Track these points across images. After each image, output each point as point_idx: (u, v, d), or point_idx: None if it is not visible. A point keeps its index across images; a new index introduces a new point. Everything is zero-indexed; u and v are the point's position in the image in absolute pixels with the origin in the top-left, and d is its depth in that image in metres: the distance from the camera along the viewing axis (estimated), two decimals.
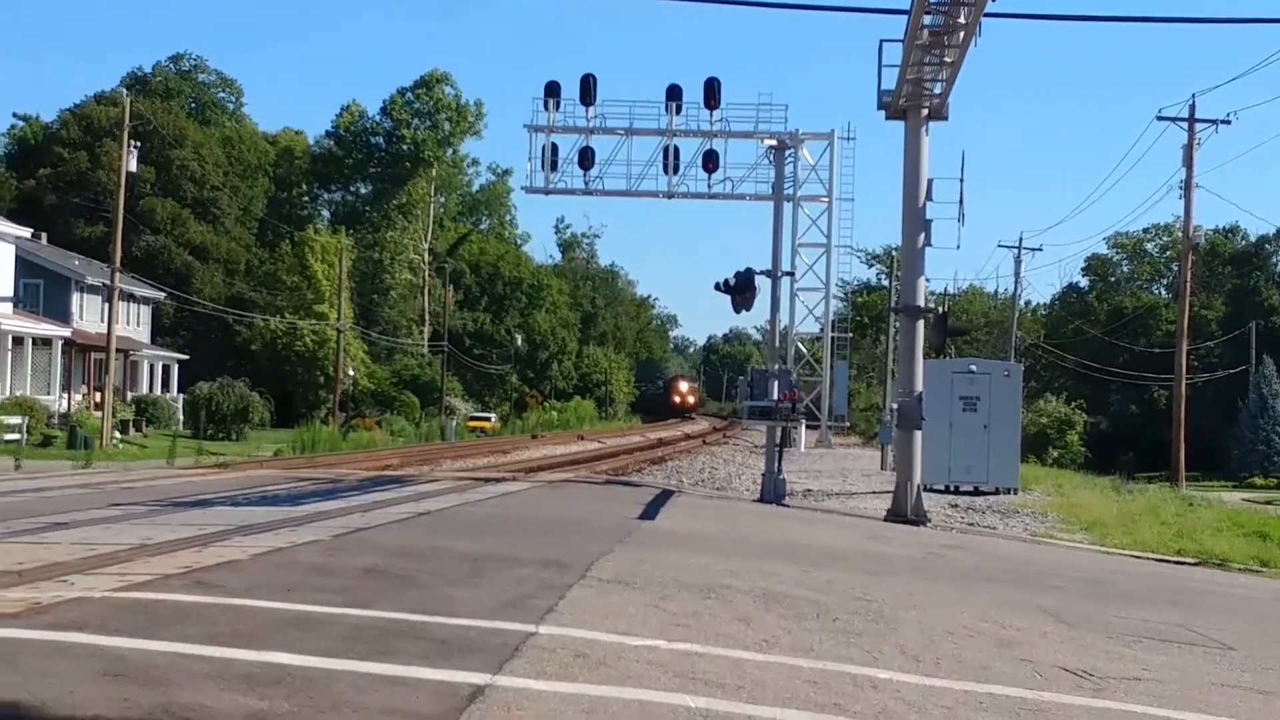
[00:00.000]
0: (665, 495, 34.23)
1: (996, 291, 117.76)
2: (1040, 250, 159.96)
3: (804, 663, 10.56)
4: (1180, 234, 70.57)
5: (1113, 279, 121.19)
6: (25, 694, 7.93)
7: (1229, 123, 59.18)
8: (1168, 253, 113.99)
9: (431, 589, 13.12)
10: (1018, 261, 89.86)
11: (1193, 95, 61.49)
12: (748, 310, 36.76)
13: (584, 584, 14.02)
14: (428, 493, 30.74)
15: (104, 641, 9.58)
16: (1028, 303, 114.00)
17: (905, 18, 29.12)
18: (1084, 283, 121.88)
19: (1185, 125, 59.32)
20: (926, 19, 28.19)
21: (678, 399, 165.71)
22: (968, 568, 21.10)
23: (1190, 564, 26.33)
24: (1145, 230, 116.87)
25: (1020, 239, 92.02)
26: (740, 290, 35.29)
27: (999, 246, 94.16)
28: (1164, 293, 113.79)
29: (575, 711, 8.34)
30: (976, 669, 11.01)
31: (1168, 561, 26.42)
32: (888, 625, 12.90)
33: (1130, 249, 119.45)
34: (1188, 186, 60.44)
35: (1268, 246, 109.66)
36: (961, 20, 27.67)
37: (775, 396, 34.44)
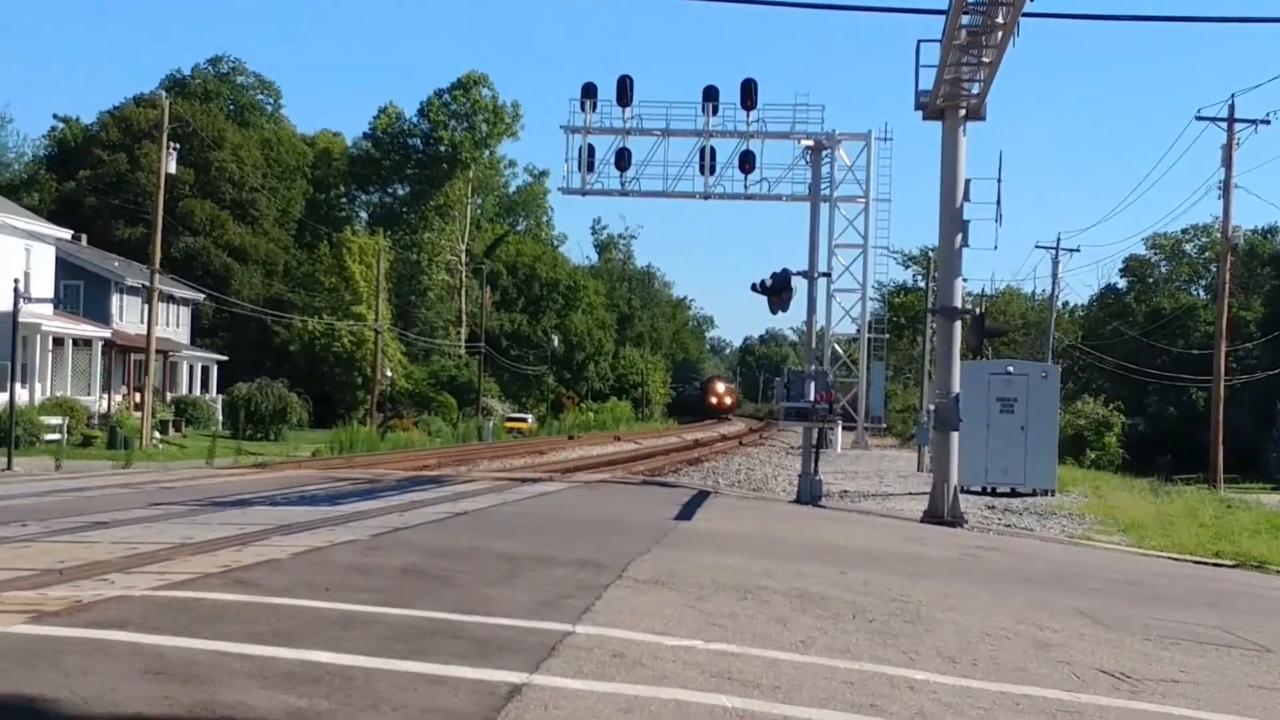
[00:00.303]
0: (702, 496, 34.24)
1: (1034, 293, 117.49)
2: (1078, 251, 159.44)
3: (840, 663, 10.58)
4: (1219, 235, 70.05)
5: (1151, 280, 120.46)
6: (67, 691, 8.00)
7: (1268, 123, 58.74)
8: (1206, 254, 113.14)
9: (469, 589, 13.17)
10: (1055, 262, 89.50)
11: (1232, 95, 60.85)
12: (784, 311, 36.75)
13: (621, 584, 14.05)
14: (465, 493, 30.83)
15: (144, 639, 9.65)
16: (1065, 304, 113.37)
17: (943, 18, 29.09)
18: (1122, 284, 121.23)
19: (1224, 125, 58.94)
20: (964, 19, 28.14)
21: (714, 400, 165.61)
22: (1005, 569, 21.07)
23: (1228, 566, 26.18)
24: (1184, 231, 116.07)
25: (1058, 240, 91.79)
26: (777, 291, 35.25)
27: (1036, 247, 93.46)
28: (1202, 294, 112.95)
29: (612, 710, 8.37)
30: (1013, 670, 11.01)
31: (1206, 564, 26.28)
32: (924, 626, 12.90)
33: (1168, 250, 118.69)
34: (1226, 187, 60.09)
35: None
36: (1000, 20, 27.61)
37: (812, 398, 34.42)
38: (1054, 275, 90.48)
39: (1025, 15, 27.17)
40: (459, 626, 10.91)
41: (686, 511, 27.72)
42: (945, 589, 16.55)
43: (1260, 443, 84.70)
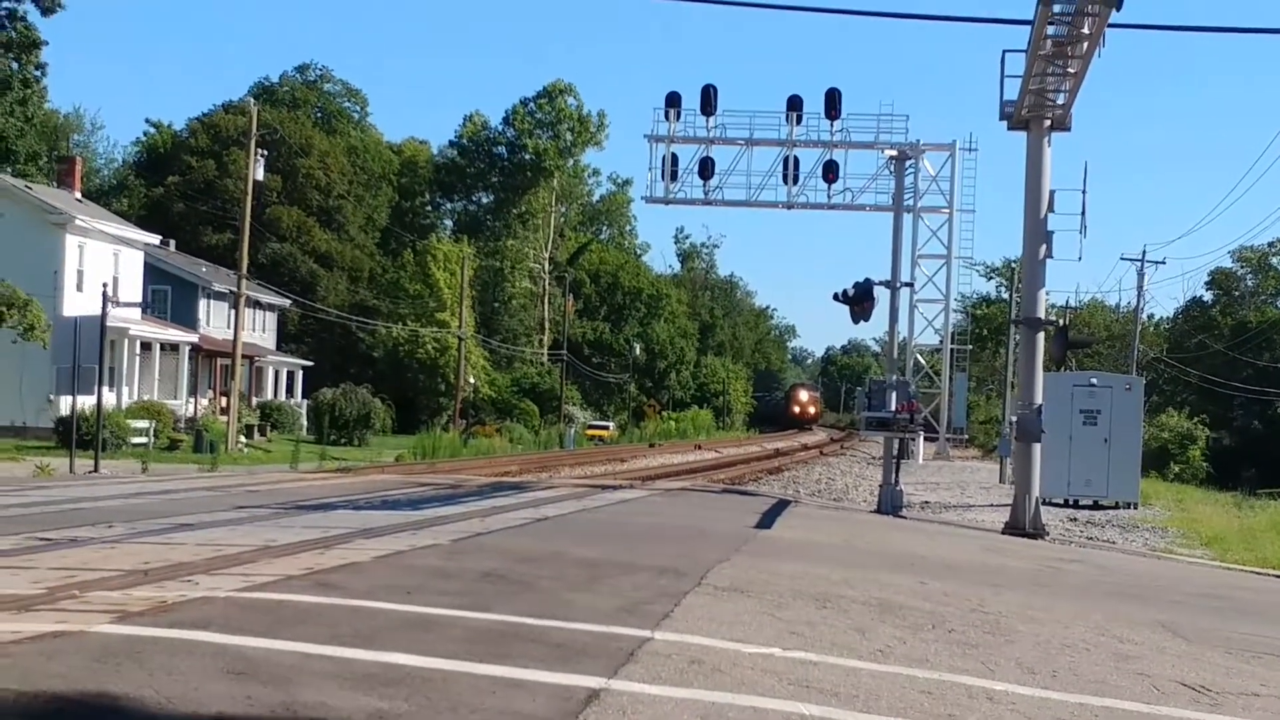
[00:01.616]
0: (782, 505, 34.21)
1: (1118, 305, 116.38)
2: (1163, 264, 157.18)
3: (919, 673, 10.56)
4: None
5: (1237, 293, 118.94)
6: (150, 690, 8.11)
7: None
8: None
9: (549, 594, 13.24)
10: (1140, 274, 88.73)
11: None
12: (866, 321, 36.74)
13: (700, 591, 14.08)
14: (546, 499, 30.93)
15: (227, 640, 9.76)
16: (1150, 316, 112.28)
17: (1028, 28, 28.95)
18: (1207, 296, 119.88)
19: None
20: (1050, 29, 27.98)
21: (797, 409, 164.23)
22: (1086, 581, 20.93)
23: None
24: (1270, 244, 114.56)
25: (1143, 252, 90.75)
26: (859, 301, 35.18)
27: (1121, 259, 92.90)
28: None
29: (690, 717, 8.40)
30: (1093, 682, 10.95)
31: None
32: (1004, 637, 12.85)
33: (1255, 263, 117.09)
34: None
35: None
36: (1085, 30, 27.45)
37: (893, 408, 34.34)
38: (1139, 287, 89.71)
39: (1111, 26, 27.03)
40: (538, 631, 10.98)
41: (766, 520, 27.73)
42: (1025, 600, 16.48)
43: None
